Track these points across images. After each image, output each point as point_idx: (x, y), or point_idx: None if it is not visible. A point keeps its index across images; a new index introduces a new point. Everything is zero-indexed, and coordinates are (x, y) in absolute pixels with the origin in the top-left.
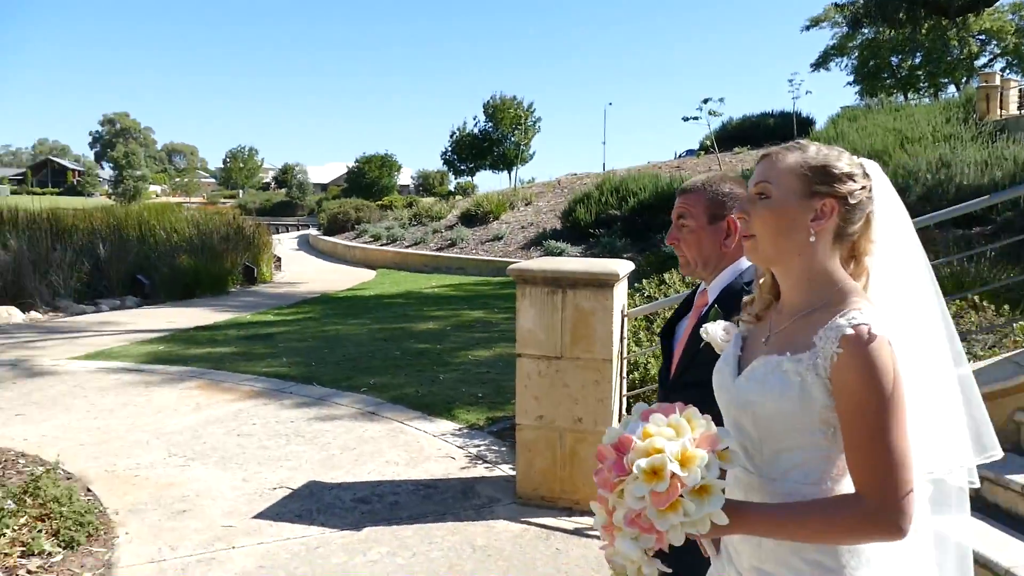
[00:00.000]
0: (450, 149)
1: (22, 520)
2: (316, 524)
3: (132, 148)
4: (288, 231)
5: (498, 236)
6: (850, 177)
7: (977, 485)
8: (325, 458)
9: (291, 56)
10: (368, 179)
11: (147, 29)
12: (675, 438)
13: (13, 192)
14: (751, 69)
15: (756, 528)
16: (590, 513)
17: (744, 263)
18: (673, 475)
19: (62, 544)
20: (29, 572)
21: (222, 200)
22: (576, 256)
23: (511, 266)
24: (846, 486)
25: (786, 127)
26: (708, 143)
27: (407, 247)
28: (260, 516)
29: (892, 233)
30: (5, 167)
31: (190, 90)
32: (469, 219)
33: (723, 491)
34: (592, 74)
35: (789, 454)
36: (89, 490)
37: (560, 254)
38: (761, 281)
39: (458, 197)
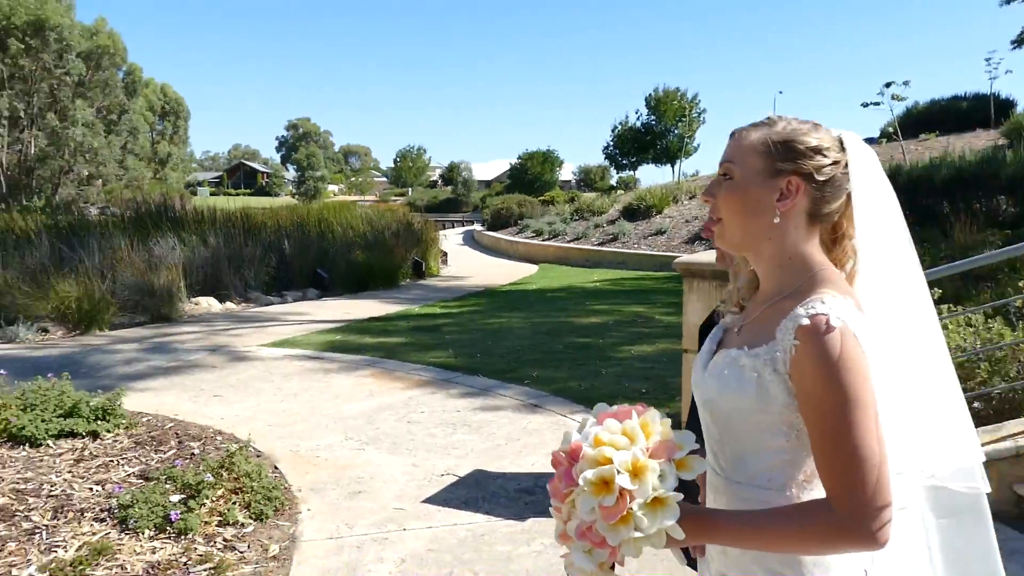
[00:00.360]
0: (611, 143)
1: (219, 492)
2: (482, 512)
3: (313, 151)
4: (454, 227)
5: (660, 230)
6: (818, 151)
7: (988, 490)
8: (490, 447)
9: (457, 57)
10: (530, 175)
11: (327, 39)
12: (627, 446)
13: (212, 193)
14: (941, 49)
15: (723, 538)
16: None
17: None
18: (622, 488)
19: (253, 516)
20: (225, 540)
21: (393, 198)
22: None
23: (677, 259)
24: (815, 493)
25: (981, 110)
26: (891, 130)
27: (568, 242)
28: (429, 501)
29: (872, 214)
30: (205, 171)
31: (364, 94)
32: (631, 213)
33: (679, 502)
34: (761, 62)
35: (752, 456)
36: (276, 468)
37: None
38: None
39: (620, 192)
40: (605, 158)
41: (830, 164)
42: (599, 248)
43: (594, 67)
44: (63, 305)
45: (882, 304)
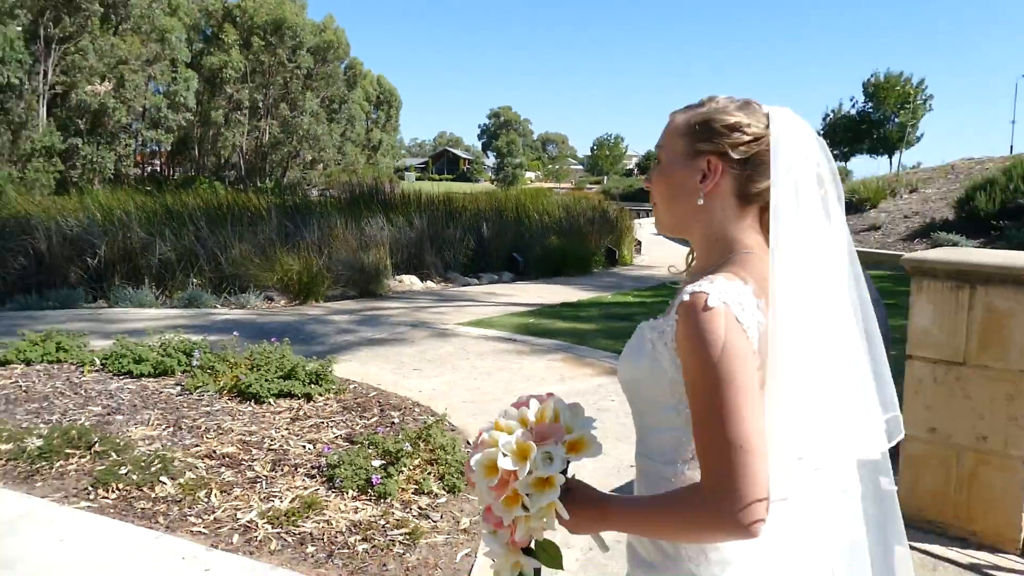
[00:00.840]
0: (822, 133)
1: (416, 461)
2: None
3: (512, 138)
4: (648, 216)
5: (875, 226)
6: (735, 128)
7: (892, 488)
8: None
9: (656, 44)
10: None
11: (531, 30)
12: (514, 430)
13: (417, 178)
14: None
15: (615, 524)
16: (989, 548)
17: None
18: (504, 469)
19: (446, 488)
20: (420, 508)
21: (588, 186)
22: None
23: (906, 256)
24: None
25: None
26: None
27: None
28: (618, 490)
29: (790, 193)
30: (413, 157)
31: (564, 83)
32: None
33: (579, 487)
34: (1001, 43)
35: (650, 429)
36: (468, 443)
37: (953, 247)
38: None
39: None
40: None
41: (749, 141)
42: None
43: (802, 52)
44: (286, 277)
45: (791, 288)
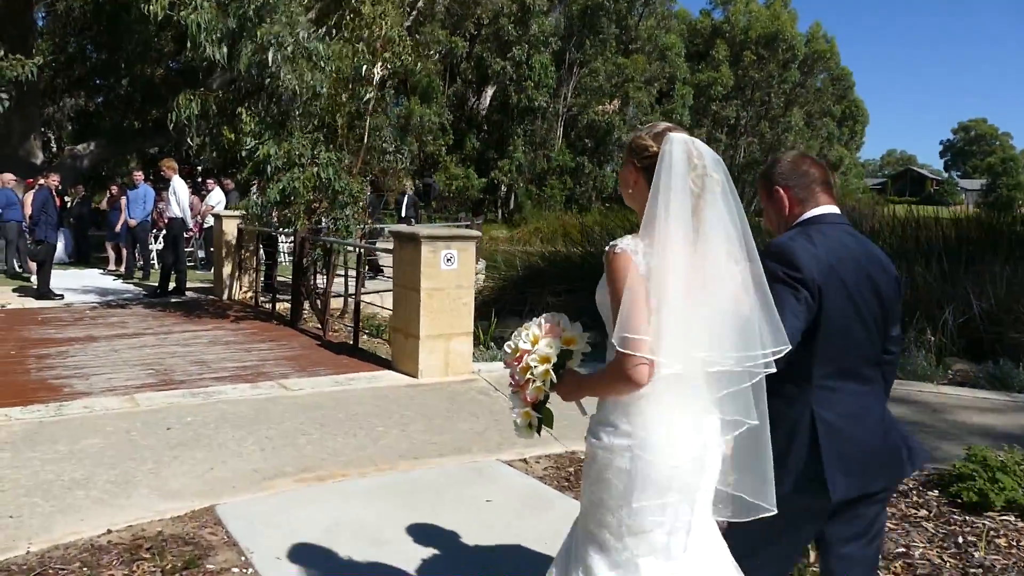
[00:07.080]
0: None
1: None
2: None
3: (1012, 155)
4: None
5: None
6: (640, 147)
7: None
8: None
9: None
10: None
11: (1006, 31)
12: (531, 328)
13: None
14: None
15: (583, 390)
16: None
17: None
18: (520, 348)
19: None
20: None
21: None
22: None
23: None
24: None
25: None
26: None
27: None
28: None
29: (663, 186)
30: (869, 176)
31: None
32: None
33: (569, 368)
34: None
35: (608, 338)
36: None
37: None
38: None
39: None
40: None
41: (649, 154)
42: None
43: None
44: None
45: (667, 238)
